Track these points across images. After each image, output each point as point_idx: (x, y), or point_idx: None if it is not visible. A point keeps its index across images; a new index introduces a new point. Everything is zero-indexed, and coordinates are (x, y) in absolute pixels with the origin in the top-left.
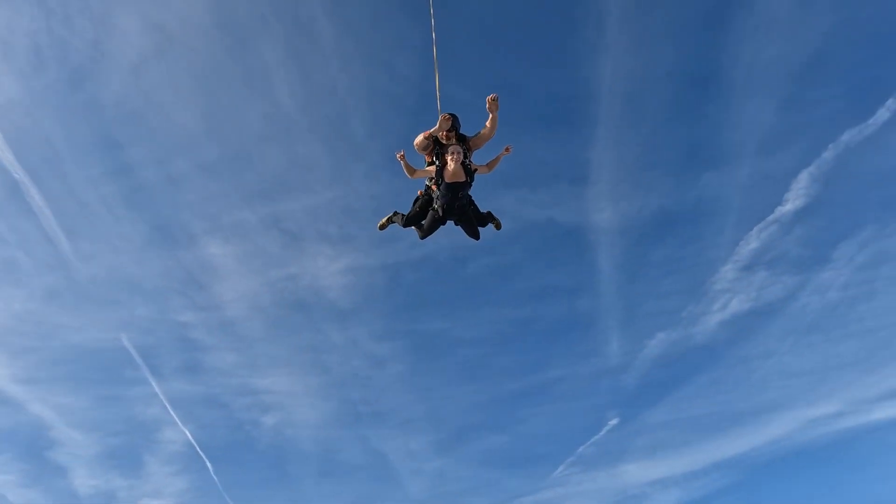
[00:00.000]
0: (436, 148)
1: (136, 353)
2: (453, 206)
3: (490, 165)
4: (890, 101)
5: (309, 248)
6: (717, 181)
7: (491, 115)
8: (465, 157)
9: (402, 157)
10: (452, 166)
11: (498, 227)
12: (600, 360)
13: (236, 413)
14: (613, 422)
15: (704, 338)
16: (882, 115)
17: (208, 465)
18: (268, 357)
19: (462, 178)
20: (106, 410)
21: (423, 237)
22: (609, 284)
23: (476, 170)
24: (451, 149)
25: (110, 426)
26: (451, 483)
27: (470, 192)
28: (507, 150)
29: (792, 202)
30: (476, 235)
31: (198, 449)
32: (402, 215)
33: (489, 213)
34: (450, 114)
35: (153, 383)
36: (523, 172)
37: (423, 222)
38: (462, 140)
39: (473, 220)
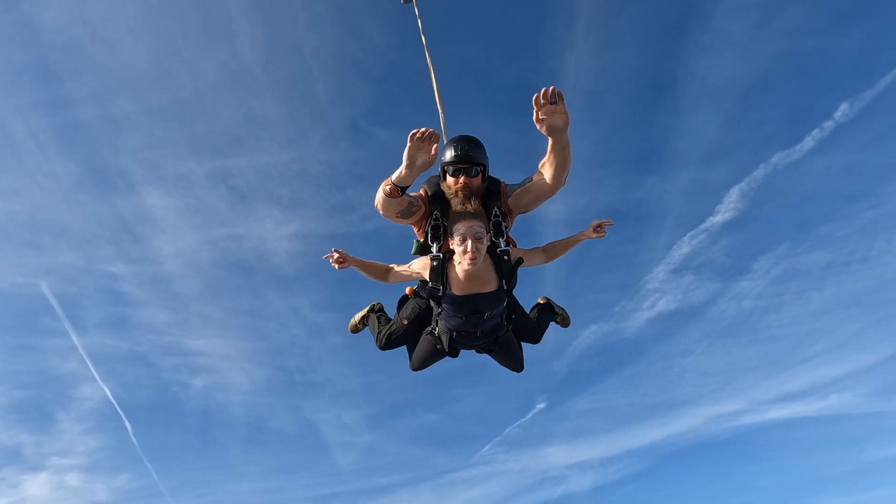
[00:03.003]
0: (432, 212)
1: (56, 301)
2: (472, 336)
3: (553, 251)
4: (816, 131)
5: (257, 209)
6: (660, 186)
7: (553, 141)
8: (500, 237)
9: (339, 263)
10: (466, 266)
11: (565, 323)
12: (533, 346)
13: (163, 373)
14: (541, 406)
15: (632, 333)
16: (808, 142)
17: (127, 424)
18: (202, 318)
19: (490, 287)
20: (16, 360)
21: (415, 368)
22: (550, 274)
23: (521, 262)
24: (462, 227)
25: (20, 378)
26: (380, 457)
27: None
28: (600, 230)
29: (722, 214)
30: (519, 367)
31: (117, 407)
32: (383, 320)
33: (542, 308)
34: (460, 144)
35: (72, 335)
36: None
37: (416, 344)
38: (490, 200)
39: (517, 345)
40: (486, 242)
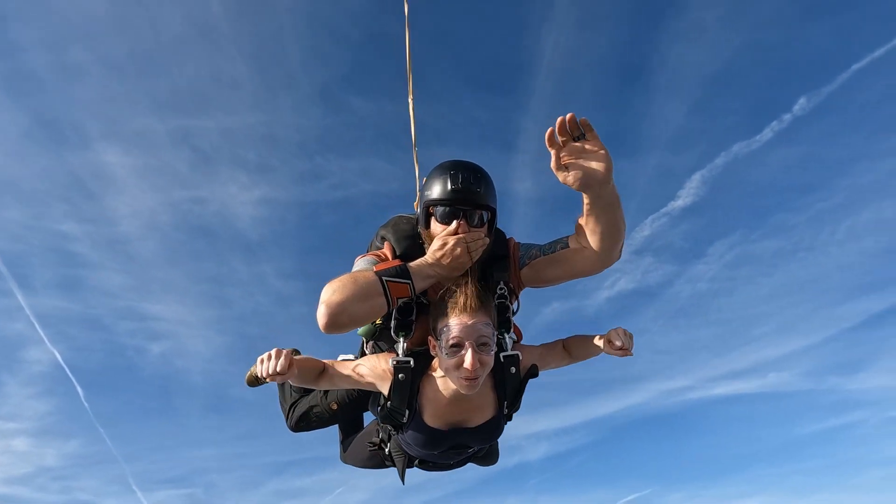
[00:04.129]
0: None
1: (1, 259)
2: (443, 467)
3: (579, 351)
4: (774, 123)
5: (222, 172)
6: (628, 169)
7: (591, 198)
8: (505, 331)
9: (283, 373)
10: (463, 390)
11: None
12: None
13: (118, 337)
14: None
15: (593, 311)
16: (767, 134)
17: (79, 389)
18: (162, 282)
19: (485, 415)
20: None
21: (349, 464)
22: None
23: (536, 373)
24: (456, 325)
25: None
26: None
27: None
28: (626, 347)
29: (683, 199)
30: (493, 462)
31: (67, 371)
32: (296, 389)
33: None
34: (461, 174)
35: (18, 295)
36: (455, 131)
37: (351, 439)
38: (493, 269)
39: (494, 449)
40: (493, 351)
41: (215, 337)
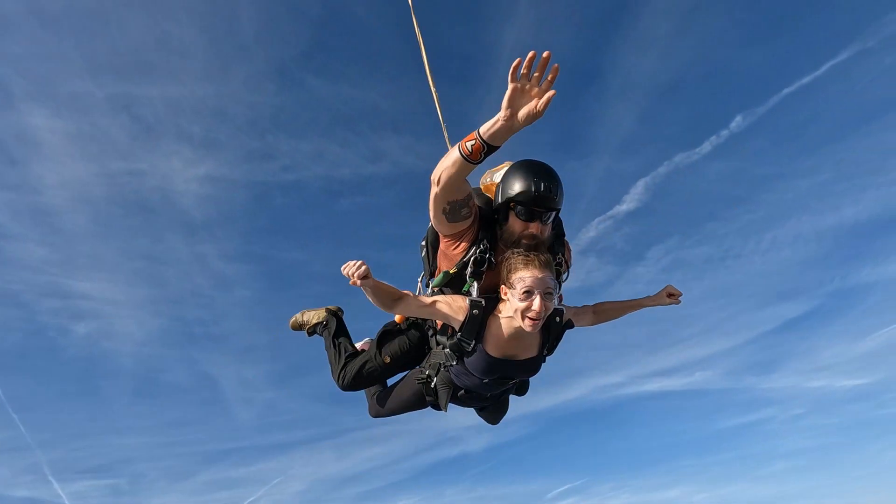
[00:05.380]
0: (481, 236)
1: None
2: (480, 398)
3: (607, 313)
4: (713, 137)
5: (165, 145)
6: (579, 171)
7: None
8: (557, 290)
9: (364, 279)
10: (527, 327)
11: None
12: None
13: (39, 316)
14: None
15: None
16: (706, 147)
17: None
18: (90, 258)
19: (530, 352)
20: None
21: (379, 415)
22: None
23: (571, 325)
24: (528, 277)
25: None
26: (281, 414)
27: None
28: (672, 298)
29: (628, 204)
30: (498, 421)
31: None
32: (340, 338)
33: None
34: (542, 182)
35: None
36: (413, 120)
37: (390, 388)
38: (557, 246)
39: (507, 403)
40: (555, 301)
41: (148, 319)
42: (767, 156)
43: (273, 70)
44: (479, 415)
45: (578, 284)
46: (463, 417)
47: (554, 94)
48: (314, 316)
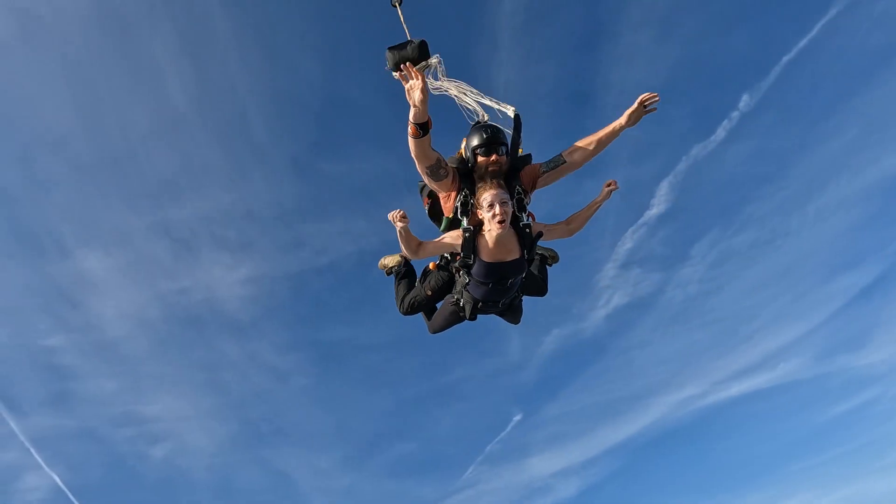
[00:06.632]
0: (462, 187)
1: None
2: (495, 303)
3: (576, 221)
4: (725, 122)
5: (204, 257)
6: (596, 188)
7: (615, 131)
8: (522, 212)
9: (402, 220)
10: (494, 232)
11: (555, 260)
12: (501, 358)
13: (117, 447)
14: (517, 417)
15: (592, 332)
16: (720, 133)
17: None
18: (155, 380)
19: (514, 254)
20: None
21: (434, 331)
22: None
23: (541, 235)
24: (489, 196)
25: None
26: (360, 498)
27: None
28: (610, 187)
29: (657, 207)
30: (519, 320)
31: (68, 494)
32: (406, 280)
33: (547, 258)
34: (487, 128)
35: (10, 422)
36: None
37: (435, 308)
38: (512, 179)
39: (521, 305)
40: (511, 207)
41: (217, 427)
42: (785, 127)
43: (288, 164)
44: (507, 320)
45: (628, 300)
46: (543, 465)
47: (402, 78)
48: (391, 260)
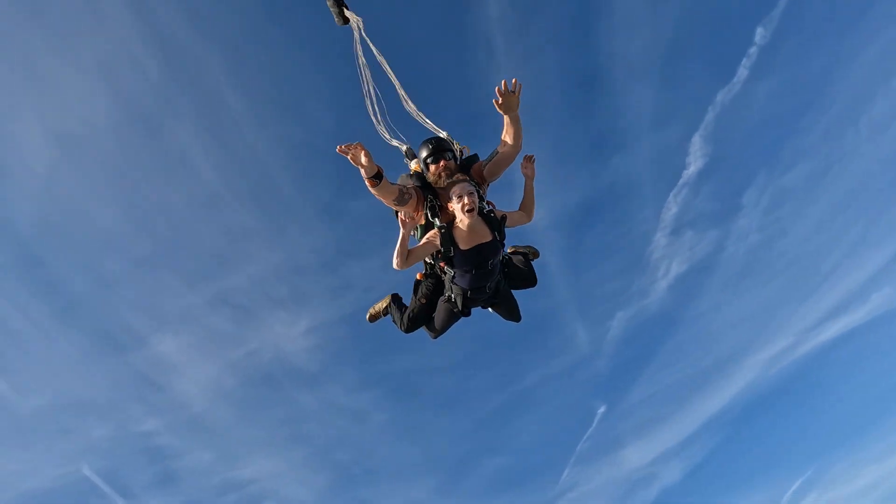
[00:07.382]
0: (426, 195)
1: (101, 479)
2: (483, 291)
3: (523, 205)
4: (745, 60)
5: (264, 317)
6: (624, 163)
7: (510, 118)
8: (481, 200)
9: (406, 225)
10: (466, 220)
11: (535, 255)
12: (571, 354)
13: None
14: (602, 410)
15: (658, 306)
16: (742, 73)
17: None
18: (245, 444)
19: (487, 237)
20: None
21: (436, 336)
22: (558, 278)
23: (504, 219)
24: (456, 189)
25: None
26: None
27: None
28: (528, 162)
29: (693, 164)
30: (518, 317)
31: None
32: (400, 307)
33: (528, 254)
34: (431, 142)
35: None
36: None
37: (432, 317)
38: (465, 173)
39: (514, 298)
40: (476, 197)
41: (311, 477)
42: (810, 49)
43: (319, 211)
44: (502, 315)
45: (687, 266)
46: (639, 454)
47: (343, 153)
48: (382, 303)
